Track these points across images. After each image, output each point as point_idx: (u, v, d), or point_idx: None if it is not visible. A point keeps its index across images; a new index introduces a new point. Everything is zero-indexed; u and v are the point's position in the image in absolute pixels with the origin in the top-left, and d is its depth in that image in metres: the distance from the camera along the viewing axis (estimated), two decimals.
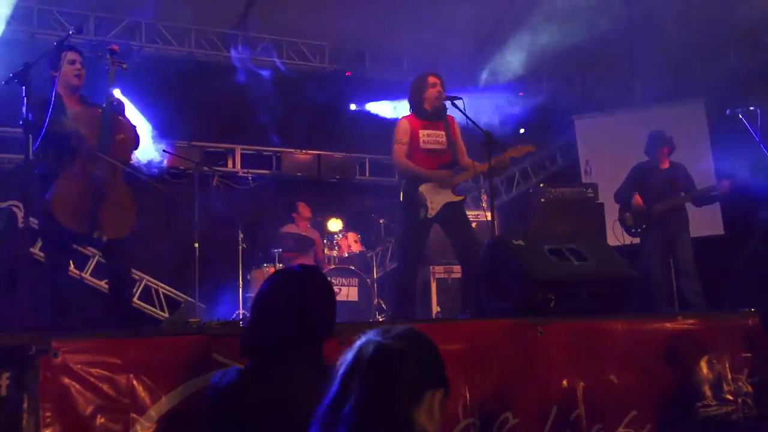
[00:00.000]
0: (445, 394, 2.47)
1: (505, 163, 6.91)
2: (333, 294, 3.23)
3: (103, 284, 9.89)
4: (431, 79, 6.92)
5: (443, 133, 6.88)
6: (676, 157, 8.53)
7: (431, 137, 6.83)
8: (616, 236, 8.58)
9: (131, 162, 6.02)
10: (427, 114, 6.87)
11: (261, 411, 2.89)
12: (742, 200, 8.33)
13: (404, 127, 6.83)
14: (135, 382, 3.69)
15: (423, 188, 6.68)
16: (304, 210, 9.91)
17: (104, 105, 5.76)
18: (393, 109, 11.14)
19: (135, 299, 10.09)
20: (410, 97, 7.01)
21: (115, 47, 6.03)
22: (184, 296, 10.04)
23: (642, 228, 8.12)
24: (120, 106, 5.90)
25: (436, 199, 6.68)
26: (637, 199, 8.11)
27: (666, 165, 8.38)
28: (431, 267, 9.74)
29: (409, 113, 6.98)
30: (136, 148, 6.12)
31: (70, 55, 5.85)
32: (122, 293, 5.94)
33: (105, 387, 3.60)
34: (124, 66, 5.96)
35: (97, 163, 5.56)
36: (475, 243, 6.69)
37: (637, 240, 8.47)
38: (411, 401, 2.37)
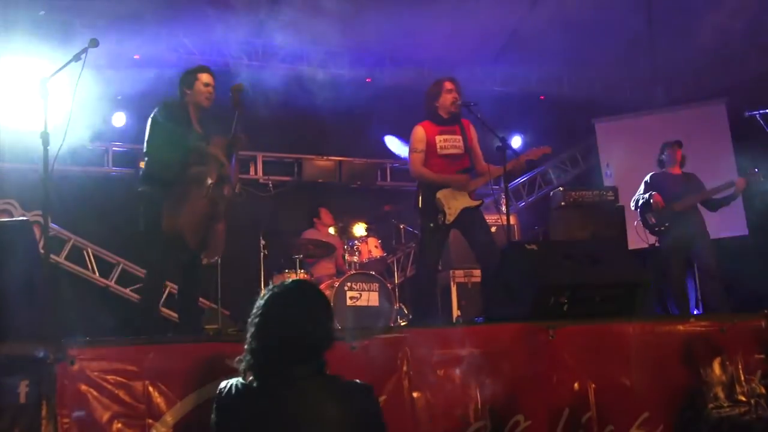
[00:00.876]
0: None
1: (522, 167, 6.94)
2: (328, 305, 3.23)
3: (128, 292, 10.04)
4: (447, 85, 6.92)
5: (460, 137, 6.88)
6: (696, 161, 8.54)
7: (448, 142, 6.84)
8: (641, 237, 8.58)
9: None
10: (443, 120, 6.89)
11: (263, 427, 2.94)
12: (766, 200, 8.28)
13: (420, 135, 6.84)
14: (151, 389, 3.78)
15: (440, 194, 6.71)
16: (326, 216, 9.98)
17: (230, 136, 6.02)
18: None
19: (160, 306, 10.21)
20: (426, 103, 7.01)
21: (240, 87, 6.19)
22: (208, 303, 10.13)
23: (665, 226, 8.10)
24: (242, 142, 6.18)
25: (453, 205, 6.70)
26: (657, 197, 8.11)
27: (678, 171, 8.42)
28: (451, 271, 9.79)
29: (424, 120, 6.97)
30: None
31: (205, 77, 6.09)
32: (192, 304, 6.17)
33: (121, 393, 3.70)
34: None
35: (219, 188, 5.90)
36: (493, 246, 6.70)
37: None
38: None
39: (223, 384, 3.11)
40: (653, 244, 8.51)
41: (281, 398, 2.95)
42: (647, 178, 8.56)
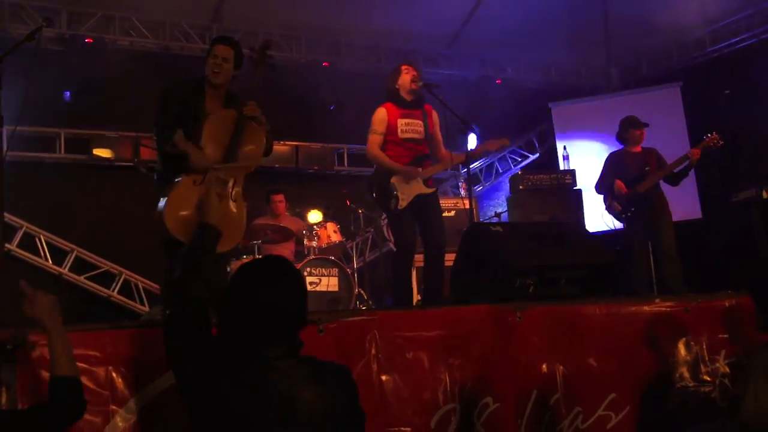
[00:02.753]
0: None
1: (478, 156, 6.93)
2: (303, 281, 3.12)
3: (82, 279, 9.88)
4: (404, 67, 6.89)
5: (421, 122, 6.82)
6: (652, 143, 8.55)
7: (410, 126, 6.77)
8: (606, 223, 8.60)
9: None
10: (405, 102, 6.80)
11: (234, 409, 2.83)
12: (719, 183, 8.36)
13: (381, 116, 6.75)
14: (114, 375, 3.69)
15: (395, 179, 6.63)
16: (276, 205, 9.82)
17: (238, 111, 5.47)
18: None
19: (114, 293, 10.08)
20: (387, 86, 6.94)
21: (267, 44, 5.84)
22: (160, 289, 10.01)
23: (631, 211, 8.11)
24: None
25: (407, 190, 6.62)
26: (619, 184, 8.08)
27: (638, 149, 8.38)
28: None
29: (386, 102, 6.87)
30: (267, 155, 5.83)
31: (215, 49, 5.54)
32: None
33: (84, 380, 3.58)
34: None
35: (220, 172, 5.28)
36: (441, 230, 6.71)
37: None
38: None
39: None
40: (616, 229, 8.52)
41: (254, 379, 2.83)
42: (607, 158, 8.57)
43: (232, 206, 5.39)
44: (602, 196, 8.42)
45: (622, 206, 8.12)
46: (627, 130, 8.39)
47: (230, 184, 5.36)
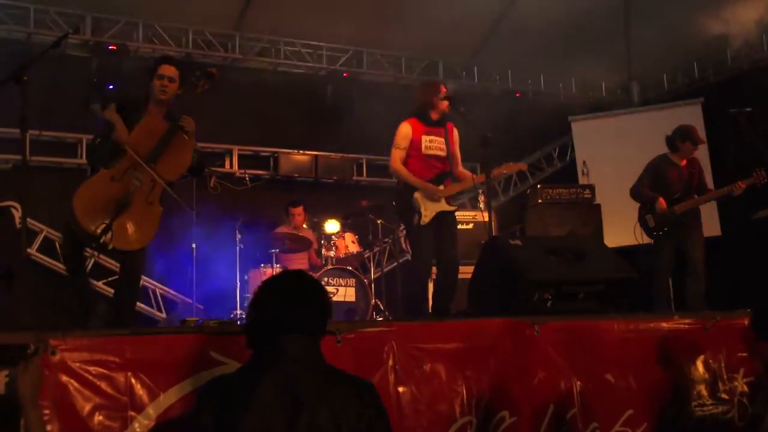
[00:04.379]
0: None
1: (497, 178, 6.97)
2: (326, 292, 3.33)
3: (100, 284, 9.91)
4: (444, 90, 6.92)
5: (443, 140, 6.89)
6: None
7: (433, 143, 6.84)
8: (636, 237, 8.40)
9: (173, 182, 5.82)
10: (431, 121, 6.88)
11: (262, 408, 2.88)
12: (739, 201, 8.28)
13: (405, 132, 6.80)
14: (133, 380, 3.70)
15: (418, 195, 6.71)
16: (296, 216, 9.86)
17: (172, 122, 5.74)
18: None
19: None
20: (419, 101, 6.98)
21: (214, 71, 6.07)
22: (182, 297, 10.04)
23: (664, 230, 7.95)
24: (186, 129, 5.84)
25: (430, 207, 6.71)
26: (662, 203, 7.88)
27: (684, 162, 8.10)
28: None
29: (411, 117, 6.92)
30: (193, 174, 6.12)
31: (163, 69, 5.78)
32: (124, 303, 5.89)
33: (103, 385, 3.61)
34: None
35: (138, 173, 5.55)
36: (454, 257, 6.81)
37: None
38: None
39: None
40: (642, 244, 8.36)
41: (271, 381, 2.95)
42: (651, 163, 8.23)
43: (148, 207, 5.61)
44: (639, 206, 8.21)
45: (657, 224, 7.96)
46: (684, 142, 8.02)
47: (148, 185, 5.57)
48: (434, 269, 7.03)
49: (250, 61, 11.49)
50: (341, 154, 11.98)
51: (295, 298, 3.17)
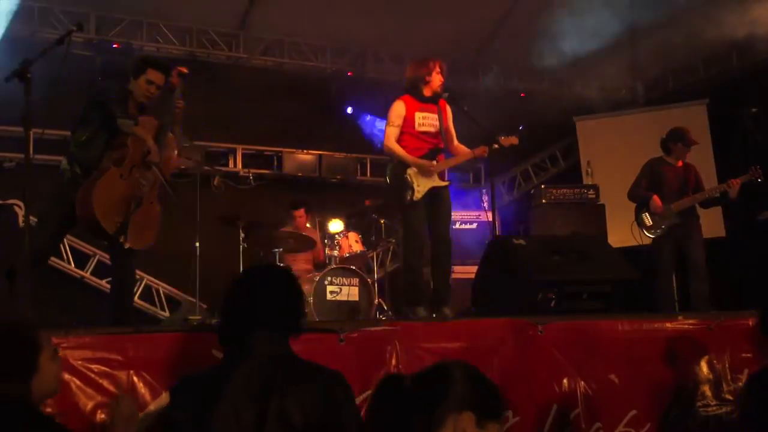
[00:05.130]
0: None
1: (486, 153, 6.93)
2: (300, 290, 3.25)
3: (104, 283, 9.91)
4: (438, 65, 6.89)
5: (436, 116, 6.90)
6: None
7: (426, 120, 6.86)
8: (634, 236, 8.41)
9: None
10: (424, 97, 6.88)
11: (232, 399, 2.86)
12: (743, 202, 8.25)
13: (399, 110, 6.81)
14: (135, 379, 3.71)
15: (411, 171, 6.71)
16: (298, 218, 9.84)
17: (164, 118, 5.82)
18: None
19: (135, 299, 10.09)
20: (411, 77, 6.98)
21: (184, 70, 6.02)
22: (185, 296, 10.04)
23: (662, 228, 7.96)
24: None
25: (422, 183, 6.70)
26: (656, 200, 7.92)
27: (680, 164, 8.15)
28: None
29: (405, 94, 6.93)
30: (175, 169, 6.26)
31: (152, 75, 5.79)
32: (125, 295, 5.93)
33: (105, 383, 3.62)
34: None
35: (144, 171, 5.63)
36: (446, 232, 6.77)
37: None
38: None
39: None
40: (646, 245, 8.36)
41: (241, 374, 2.91)
42: (646, 165, 8.30)
43: (151, 206, 5.75)
44: (635, 207, 8.24)
45: (654, 222, 8.00)
46: (676, 143, 8.10)
47: (151, 184, 5.70)
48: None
49: (255, 60, 11.48)
50: (345, 154, 11.97)
51: (264, 295, 3.12)
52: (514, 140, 6.97)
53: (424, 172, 6.72)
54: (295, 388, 2.88)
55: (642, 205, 8.11)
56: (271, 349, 3.00)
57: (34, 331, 3.02)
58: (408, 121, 6.80)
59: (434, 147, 6.86)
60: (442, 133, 6.93)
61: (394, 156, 6.83)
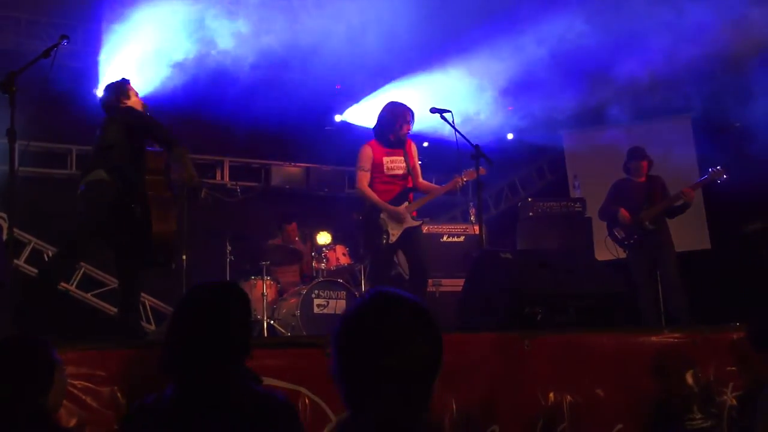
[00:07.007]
0: None
1: (458, 187, 7.15)
2: (247, 307, 3.02)
3: (89, 297, 9.87)
4: (409, 117, 7.16)
5: (403, 158, 7.20)
6: (662, 172, 8.55)
7: (394, 163, 7.18)
8: (609, 250, 8.54)
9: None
10: (390, 142, 7.17)
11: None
12: (729, 214, 8.32)
13: (368, 154, 7.12)
14: (119, 395, 3.68)
15: (384, 215, 7.02)
16: (289, 231, 9.84)
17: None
18: None
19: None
20: (381, 124, 7.24)
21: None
22: (171, 309, 9.99)
23: (634, 239, 8.12)
24: None
25: (396, 226, 7.03)
26: (623, 212, 8.15)
27: (643, 179, 8.42)
28: None
29: (371, 139, 7.25)
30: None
31: (134, 88, 6.23)
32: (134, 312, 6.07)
33: (88, 399, 3.59)
34: None
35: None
36: (425, 268, 7.15)
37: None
38: None
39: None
40: (622, 258, 8.47)
41: (201, 407, 2.73)
42: (612, 185, 8.65)
43: None
44: (606, 223, 8.48)
45: (626, 234, 8.18)
46: (630, 161, 8.50)
47: None
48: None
49: (242, 72, 11.44)
50: (333, 166, 11.96)
51: (206, 322, 2.82)
52: (472, 175, 7.06)
53: (397, 218, 6.98)
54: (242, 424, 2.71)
55: (612, 221, 8.36)
56: (216, 388, 2.76)
57: (50, 347, 3.02)
58: (377, 166, 7.12)
59: (404, 188, 7.17)
60: (409, 172, 7.18)
61: (367, 200, 7.11)
